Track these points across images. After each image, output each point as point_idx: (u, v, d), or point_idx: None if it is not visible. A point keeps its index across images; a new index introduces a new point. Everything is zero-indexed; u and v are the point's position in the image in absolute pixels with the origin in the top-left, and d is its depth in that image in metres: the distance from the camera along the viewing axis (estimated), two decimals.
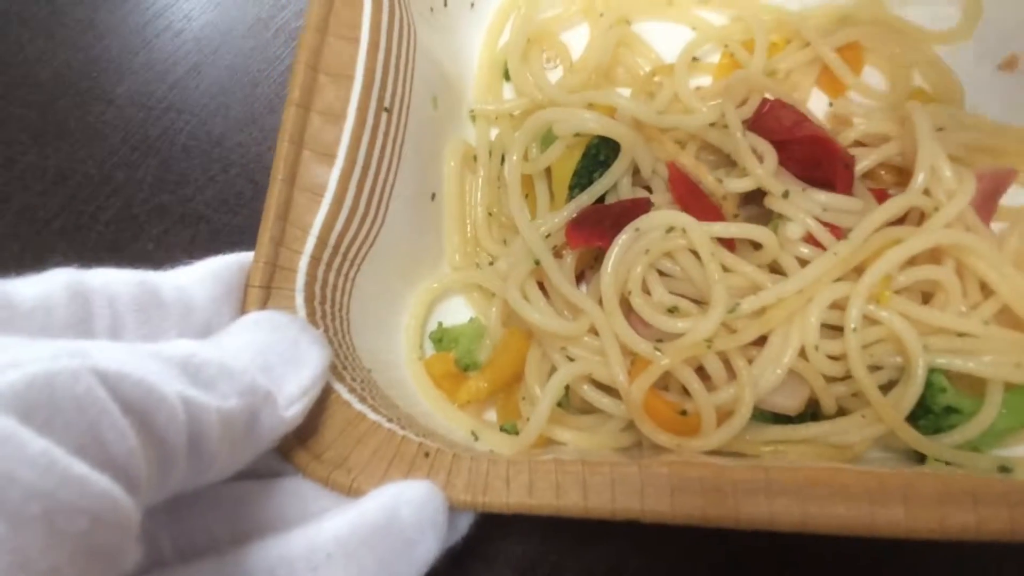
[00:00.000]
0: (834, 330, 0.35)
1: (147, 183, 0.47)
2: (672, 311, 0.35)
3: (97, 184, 0.47)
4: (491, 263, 0.41)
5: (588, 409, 0.37)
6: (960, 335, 0.35)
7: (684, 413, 0.34)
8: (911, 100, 0.42)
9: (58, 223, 0.46)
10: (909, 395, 0.34)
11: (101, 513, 0.17)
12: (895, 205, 0.36)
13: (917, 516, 0.25)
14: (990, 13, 0.44)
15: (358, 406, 0.28)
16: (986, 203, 0.38)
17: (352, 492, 0.26)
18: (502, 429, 0.36)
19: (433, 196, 0.41)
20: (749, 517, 0.26)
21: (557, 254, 0.38)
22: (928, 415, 0.34)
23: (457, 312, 0.40)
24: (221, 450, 0.21)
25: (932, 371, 0.34)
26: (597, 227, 0.36)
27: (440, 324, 0.39)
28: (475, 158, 0.43)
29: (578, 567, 0.35)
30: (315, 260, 0.31)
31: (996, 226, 0.39)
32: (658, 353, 0.34)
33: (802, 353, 0.34)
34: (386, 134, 0.35)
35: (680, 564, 0.35)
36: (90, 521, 0.16)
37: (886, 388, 0.35)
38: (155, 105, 0.50)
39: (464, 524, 0.27)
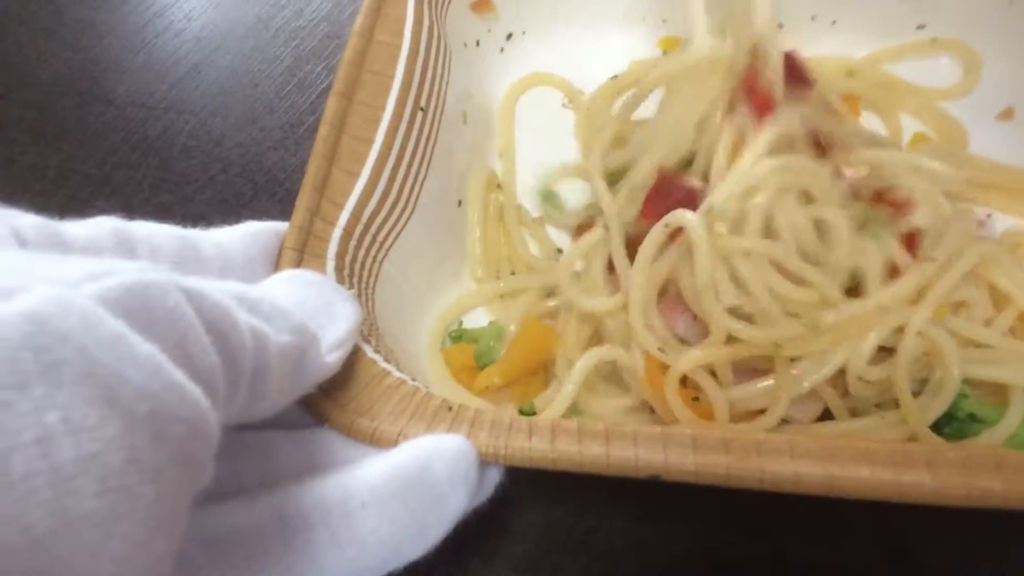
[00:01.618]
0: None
1: (147, 183, 0.47)
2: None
3: (97, 184, 0.47)
4: (512, 273, 0.42)
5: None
6: (979, 346, 0.35)
7: (696, 400, 0.35)
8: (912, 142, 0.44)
9: None
10: (937, 404, 0.34)
11: (194, 422, 0.17)
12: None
13: (943, 480, 0.26)
14: (988, 69, 0.46)
15: (383, 364, 0.29)
16: None
17: (374, 440, 0.26)
18: (521, 412, 0.37)
19: (460, 203, 0.42)
20: (773, 477, 0.26)
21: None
22: (952, 422, 0.34)
23: (477, 316, 0.41)
24: (274, 384, 0.22)
25: None
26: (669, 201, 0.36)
27: (460, 323, 0.40)
28: (499, 186, 0.45)
29: (576, 567, 0.35)
30: (347, 234, 0.32)
31: None
32: (661, 352, 0.34)
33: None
34: (420, 131, 0.37)
35: (675, 566, 0.36)
36: (186, 428, 0.17)
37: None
38: (155, 105, 0.50)
39: (491, 484, 0.27)
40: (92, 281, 0.16)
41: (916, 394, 0.35)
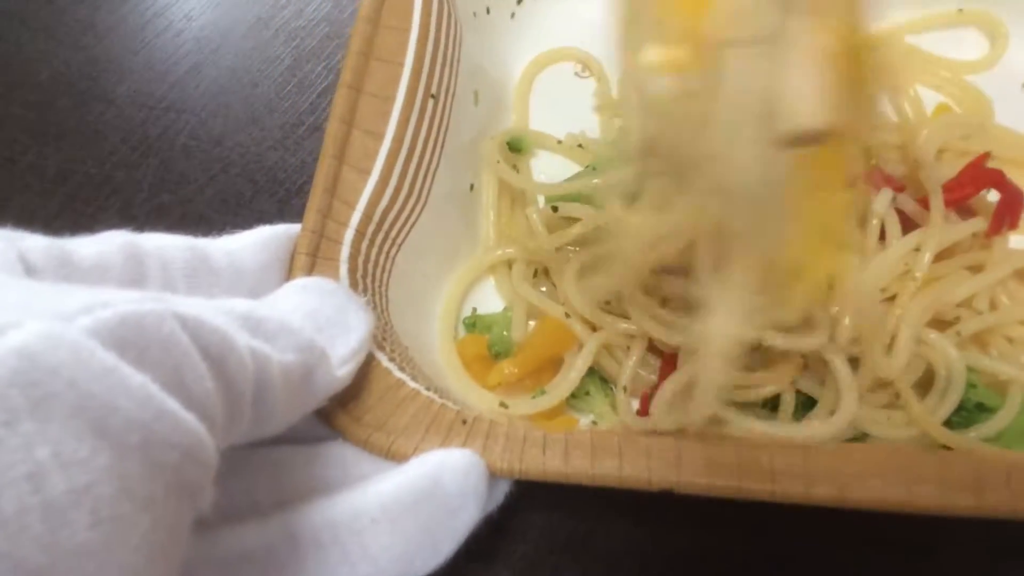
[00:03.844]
0: None
1: (147, 183, 0.47)
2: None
3: (97, 184, 0.47)
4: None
5: None
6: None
7: None
8: (936, 116, 0.43)
9: (58, 223, 0.46)
10: (945, 406, 0.34)
11: (189, 449, 0.17)
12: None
13: (953, 495, 0.26)
14: (1013, 37, 0.45)
15: (397, 374, 0.29)
16: None
17: (390, 454, 0.26)
18: (533, 398, 0.37)
19: (472, 187, 0.42)
20: (784, 494, 0.26)
21: None
22: (960, 411, 0.35)
23: (491, 301, 0.41)
24: (280, 404, 0.22)
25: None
26: None
27: (474, 310, 0.40)
28: (514, 166, 0.43)
29: (576, 568, 0.35)
30: (360, 234, 0.32)
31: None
32: None
33: None
34: (431, 120, 0.36)
35: (675, 567, 0.36)
36: (181, 456, 0.17)
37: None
38: (155, 105, 0.50)
39: (500, 493, 0.27)
40: (86, 313, 0.16)
41: (924, 390, 0.35)
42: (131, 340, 0.17)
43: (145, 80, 0.50)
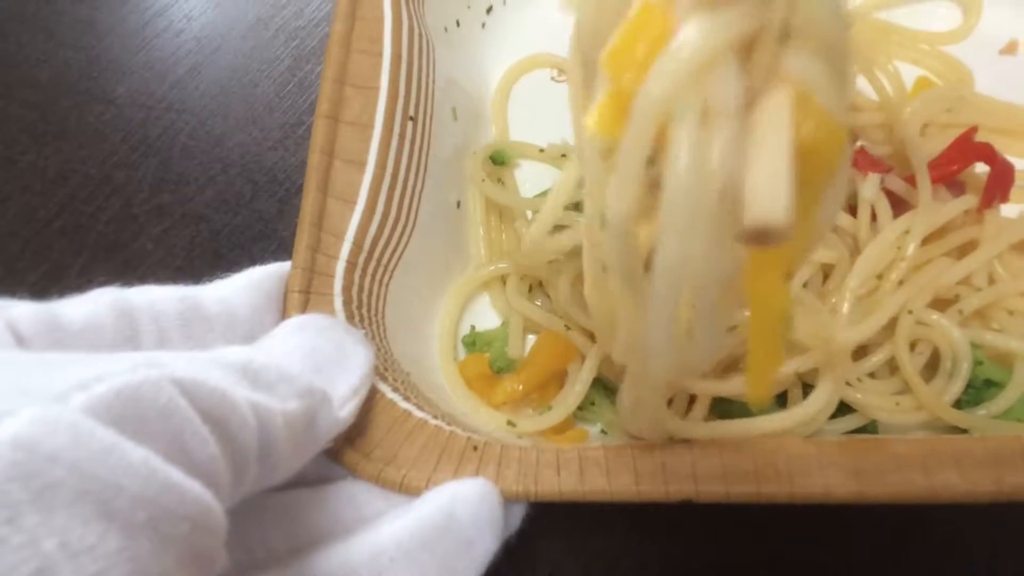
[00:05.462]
0: None
1: (147, 183, 0.47)
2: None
3: (97, 184, 0.47)
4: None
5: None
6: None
7: None
8: (917, 91, 0.42)
9: (58, 223, 0.46)
10: (953, 387, 0.34)
11: (197, 518, 0.17)
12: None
13: (972, 479, 0.26)
14: (988, 5, 0.45)
15: (403, 404, 0.29)
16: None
17: (403, 488, 0.26)
18: (540, 414, 0.37)
19: (458, 204, 0.41)
20: (804, 494, 0.26)
21: None
22: (968, 389, 0.35)
23: (488, 316, 0.40)
24: (285, 454, 0.22)
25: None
26: None
27: (473, 328, 0.40)
28: (500, 180, 0.43)
29: (576, 567, 0.35)
30: (351, 265, 0.32)
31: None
32: None
33: None
34: (412, 142, 0.36)
35: (674, 567, 0.36)
36: (190, 526, 0.17)
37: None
38: (155, 105, 0.50)
39: (516, 517, 0.27)
40: (81, 390, 0.16)
41: (932, 372, 0.35)
42: (129, 413, 0.16)
43: (145, 80, 0.50)
